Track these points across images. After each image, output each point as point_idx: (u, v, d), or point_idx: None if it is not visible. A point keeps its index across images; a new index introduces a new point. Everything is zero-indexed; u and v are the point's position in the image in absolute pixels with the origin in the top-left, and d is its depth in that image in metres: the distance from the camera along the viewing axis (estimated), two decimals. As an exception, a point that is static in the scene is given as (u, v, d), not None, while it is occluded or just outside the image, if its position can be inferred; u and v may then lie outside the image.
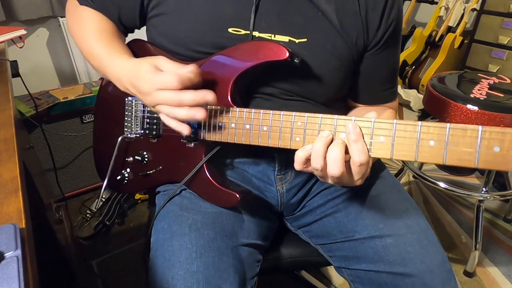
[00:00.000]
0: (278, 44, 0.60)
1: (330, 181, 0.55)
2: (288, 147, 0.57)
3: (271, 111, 0.58)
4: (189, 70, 0.57)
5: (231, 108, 0.62)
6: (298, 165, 0.55)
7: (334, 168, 0.51)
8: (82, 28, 0.74)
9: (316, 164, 0.52)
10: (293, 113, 0.56)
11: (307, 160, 0.54)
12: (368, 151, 0.50)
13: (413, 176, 1.93)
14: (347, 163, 0.52)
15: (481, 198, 1.39)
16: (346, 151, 0.52)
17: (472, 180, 1.94)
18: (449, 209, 1.74)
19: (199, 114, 0.56)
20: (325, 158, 0.52)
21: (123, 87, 0.66)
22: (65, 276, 1.10)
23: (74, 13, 0.77)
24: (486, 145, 0.43)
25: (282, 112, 0.57)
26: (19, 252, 0.39)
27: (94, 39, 0.71)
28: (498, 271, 1.41)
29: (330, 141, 0.52)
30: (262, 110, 0.59)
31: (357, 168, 0.51)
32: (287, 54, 0.59)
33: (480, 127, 0.43)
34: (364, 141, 0.50)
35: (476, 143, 0.44)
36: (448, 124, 0.45)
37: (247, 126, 0.60)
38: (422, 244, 0.65)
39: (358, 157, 0.50)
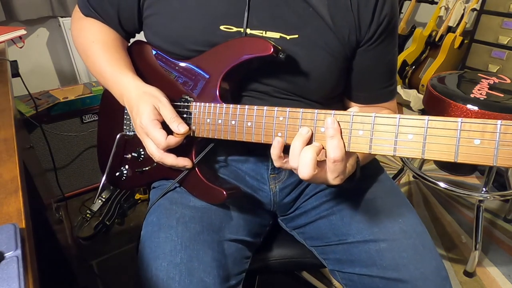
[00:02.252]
0: (263, 39, 0.60)
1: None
2: (271, 143, 0.56)
3: (255, 106, 0.57)
4: (181, 133, 0.62)
5: (218, 104, 0.62)
6: (276, 162, 0.54)
7: (303, 171, 0.50)
8: (85, 38, 0.76)
9: (293, 164, 0.51)
10: (276, 108, 0.55)
11: (284, 156, 0.53)
12: (346, 146, 0.49)
13: (413, 176, 1.93)
14: (322, 162, 0.51)
15: (481, 198, 1.39)
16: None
17: (472, 180, 1.94)
18: (449, 209, 1.74)
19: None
20: None
21: (122, 103, 0.70)
22: (65, 276, 1.10)
23: (77, 24, 0.79)
24: (466, 138, 0.41)
25: (265, 108, 0.56)
26: (19, 252, 0.39)
27: (98, 50, 0.73)
28: (498, 271, 1.42)
29: (308, 139, 0.51)
30: (247, 106, 0.58)
31: (331, 165, 0.49)
32: (272, 50, 0.58)
33: (460, 119, 0.41)
34: (342, 137, 0.49)
35: (455, 136, 0.42)
36: (426, 117, 0.43)
37: (233, 122, 0.60)
38: (417, 250, 0.64)
39: (333, 153, 0.48)
